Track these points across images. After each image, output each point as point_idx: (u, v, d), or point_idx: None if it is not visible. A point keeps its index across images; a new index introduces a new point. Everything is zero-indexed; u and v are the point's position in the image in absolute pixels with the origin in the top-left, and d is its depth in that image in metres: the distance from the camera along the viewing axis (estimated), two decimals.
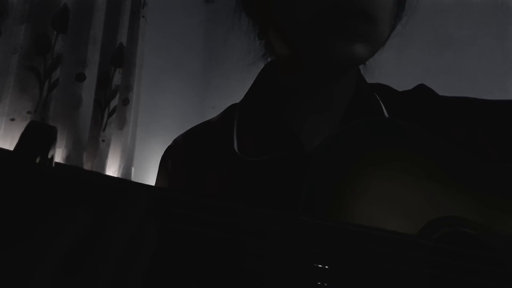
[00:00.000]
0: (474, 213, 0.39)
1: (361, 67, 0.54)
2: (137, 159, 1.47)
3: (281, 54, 0.52)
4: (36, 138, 0.26)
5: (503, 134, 0.48)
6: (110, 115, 1.33)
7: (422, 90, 0.54)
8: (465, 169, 0.41)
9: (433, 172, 0.40)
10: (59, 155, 1.18)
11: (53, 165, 0.27)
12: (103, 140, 1.30)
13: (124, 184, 0.29)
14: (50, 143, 0.26)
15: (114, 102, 1.34)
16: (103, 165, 1.29)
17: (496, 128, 0.48)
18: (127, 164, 1.39)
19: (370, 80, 0.55)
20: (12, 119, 1.05)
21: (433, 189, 0.39)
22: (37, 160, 0.26)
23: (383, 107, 0.51)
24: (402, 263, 0.33)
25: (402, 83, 0.59)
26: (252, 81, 0.57)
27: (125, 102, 1.39)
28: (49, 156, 0.27)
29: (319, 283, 0.31)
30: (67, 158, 1.18)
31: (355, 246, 0.33)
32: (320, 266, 0.31)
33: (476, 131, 0.49)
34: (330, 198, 0.37)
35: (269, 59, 0.57)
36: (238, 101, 0.57)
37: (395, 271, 0.33)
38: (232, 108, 0.57)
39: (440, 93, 0.54)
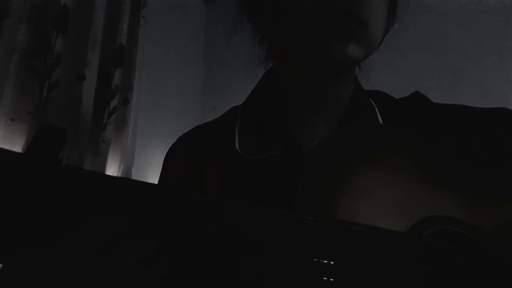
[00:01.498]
0: (464, 213, 0.40)
1: (357, 71, 0.56)
2: (137, 159, 1.47)
3: (281, 57, 0.54)
4: (48, 138, 0.28)
5: (494, 141, 0.50)
6: (110, 115, 1.33)
7: (417, 98, 0.56)
8: (456, 171, 0.43)
9: (424, 173, 0.41)
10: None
11: (63, 164, 0.29)
12: (103, 140, 1.30)
13: (132, 183, 0.30)
14: (61, 143, 0.28)
15: (114, 102, 1.34)
16: (103, 165, 1.29)
17: (488, 135, 0.50)
18: (127, 164, 1.39)
19: (366, 83, 0.57)
20: (12, 119, 1.05)
21: (424, 189, 0.40)
22: (49, 160, 0.27)
23: (378, 113, 0.53)
24: (390, 258, 0.34)
25: (398, 86, 0.60)
26: (253, 82, 0.59)
27: (125, 102, 1.40)
28: (60, 156, 0.28)
29: (324, 278, 0.32)
30: (67, 158, 1.18)
31: (347, 242, 0.34)
32: (314, 260, 0.32)
33: (468, 138, 0.50)
34: (324, 197, 0.38)
35: (270, 65, 0.59)
36: (238, 101, 0.59)
37: (383, 268, 0.34)
38: (234, 109, 0.59)
39: (438, 95, 0.56)
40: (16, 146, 1.03)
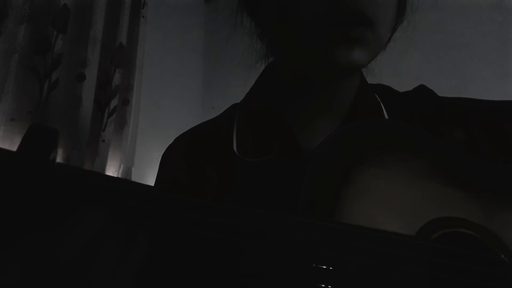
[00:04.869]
0: (474, 214, 0.39)
1: (363, 69, 0.54)
2: (137, 159, 1.47)
3: (283, 58, 0.52)
4: (37, 140, 0.26)
5: (502, 134, 0.48)
6: (110, 115, 1.33)
7: (422, 91, 0.54)
8: (465, 169, 0.41)
9: (432, 172, 0.40)
10: (59, 156, 1.18)
11: (55, 167, 0.28)
12: (103, 140, 1.30)
13: (124, 185, 0.29)
14: (52, 145, 0.27)
15: (114, 102, 1.34)
16: (103, 165, 1.29)
17: (496, 128, 0.48)
18: (127, 164, 1.39)
19: (371, 81, 0.55)
20: (12, 119, 1.05)
21: (432, 189, 0.39)
22: (39, 162, 0.26)
23: (383, 108, 0.51)
24: (400, 263, 0.33)
25: (403, 84, 0.59)
26: (253, 82, 0.57)
27: (125, 102, 1.39)
28: (51, 158, 0.27)
29: (322, 285, 0.31)
30: (67, 158, 1.18)
31: (354, 247, 0.33)
32: (320, 267, 0.31)
33: (476, 132, 0.48)
34: (329, 199, 0.37)
35: (270, 60, 0.57)
36: (238, 100, 0.57)
37: (393, 272, 0.33)
38: (232, 108, 0.57)
39: (441, 94, 0.54)
40: (16, 146, 1.03)
